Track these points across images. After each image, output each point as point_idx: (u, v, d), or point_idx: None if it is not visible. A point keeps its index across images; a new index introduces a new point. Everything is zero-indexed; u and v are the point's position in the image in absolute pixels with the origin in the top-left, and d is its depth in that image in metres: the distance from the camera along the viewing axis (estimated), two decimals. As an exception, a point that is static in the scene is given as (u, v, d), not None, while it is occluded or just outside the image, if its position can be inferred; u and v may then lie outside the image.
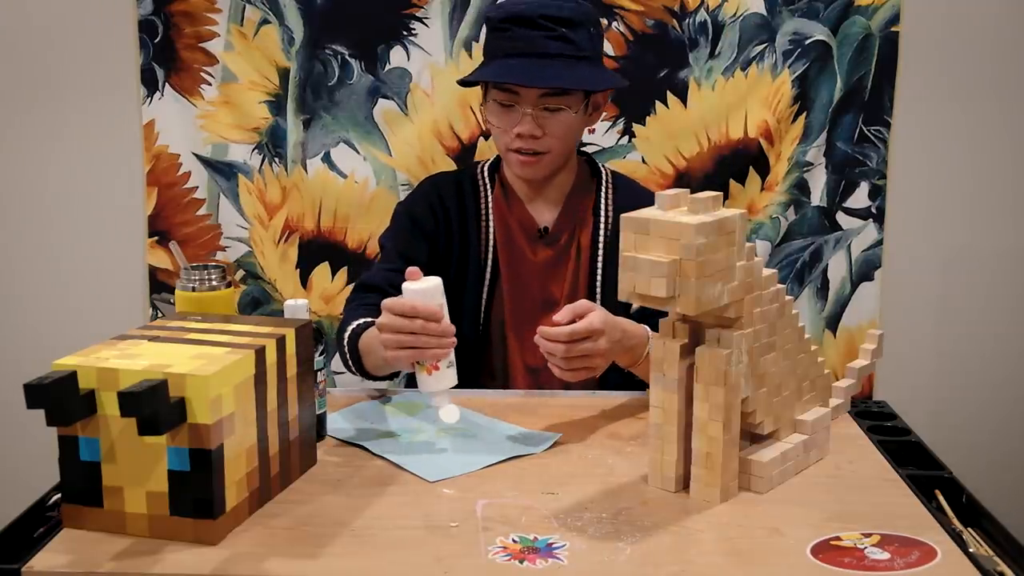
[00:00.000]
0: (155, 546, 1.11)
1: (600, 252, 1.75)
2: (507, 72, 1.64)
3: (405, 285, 1.37)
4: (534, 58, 1.62)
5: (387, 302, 1.37)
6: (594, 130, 2.25)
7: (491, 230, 1.76)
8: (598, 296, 1.74)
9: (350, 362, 1.64)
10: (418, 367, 1.38)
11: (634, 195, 1.78)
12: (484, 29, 1.74)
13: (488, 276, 1.75)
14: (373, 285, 1.70)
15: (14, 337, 2.43)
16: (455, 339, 1.37)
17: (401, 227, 1.78)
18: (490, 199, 1.77)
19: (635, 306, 1.67)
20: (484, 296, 1.75)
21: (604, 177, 1.80)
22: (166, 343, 1.20)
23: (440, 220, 1.76)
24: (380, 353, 1.43)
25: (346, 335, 1.63)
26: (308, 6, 2.26)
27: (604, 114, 2.27)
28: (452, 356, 1.39)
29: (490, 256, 1.76)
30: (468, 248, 1.76)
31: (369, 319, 1.58)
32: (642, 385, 1.57)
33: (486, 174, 1.80)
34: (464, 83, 1.75)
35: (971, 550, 1.14)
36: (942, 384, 2.41)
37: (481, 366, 1.76)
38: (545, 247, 1.77)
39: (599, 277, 1.74)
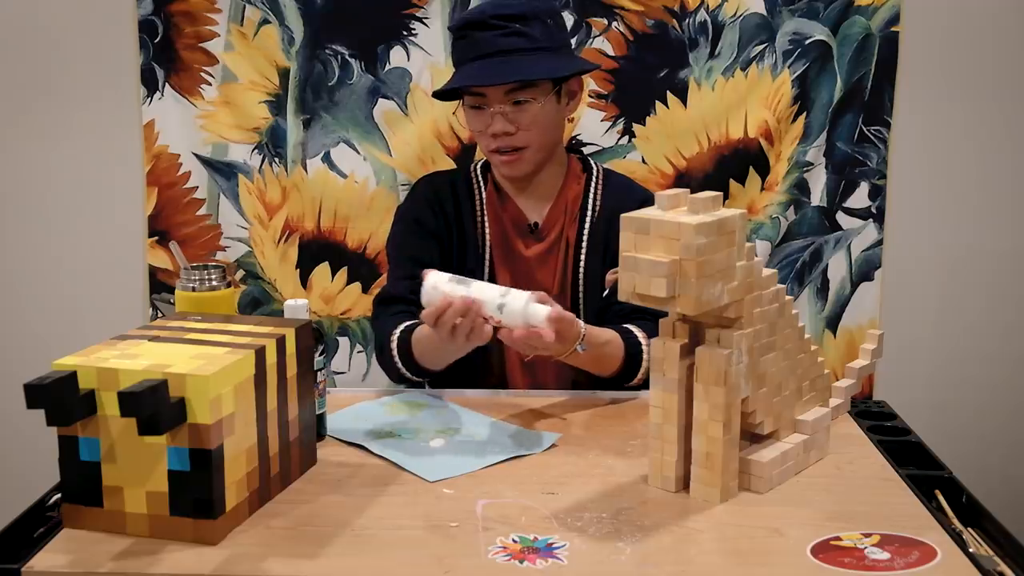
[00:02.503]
0: (155, 546, 1.11)
1: (584, 245, 1.76)
2: (466, 76, 1.67)
3: (423, 295, 1.42)
4: (491, 58, 1.65)
5: (424, 316, 1.41)
6: (573, 119, 2.25)
7: (486, 228, 1.77)
8: (581, 289, 1.75)
9: (401, 366, 1.65)
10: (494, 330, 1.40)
11: (627, 190, 1.82)
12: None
13: (486, 274, 1.76)
14: (395, 297, 1.73)
15: (14, 337, 2.43)
16: (481, 289, 1.40)
17: (407, 231, 1.80)
18: (484, 197, 1.79)
19: (607, 292, 1.68)
20: None
21: (595, 172, 1.82)
22: (166, 343, 1.20)
23: (441, 219, 1.78)
24: (450, 350, 1.49)
25: (393, 342, 1.64)
26: (308, 6, 2.26)
27: (604, 113, 2.28)
28: (499, 292, 1.39)
29: (487, 254, 1.77)
30: (466, 247, 1.77)
31: (410, 322, 1.64)
32: (643, 385, 1.57)
33: (479, 173, 1.82)
34: (438, 96, 1.77)
35: (971, 550, 1.14)
36: (942, 384, 2.41)
37: (479, 364, 1.76)
38: (536, 242, 1.78)
39: (582, 270, 1.75)
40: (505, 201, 1.79)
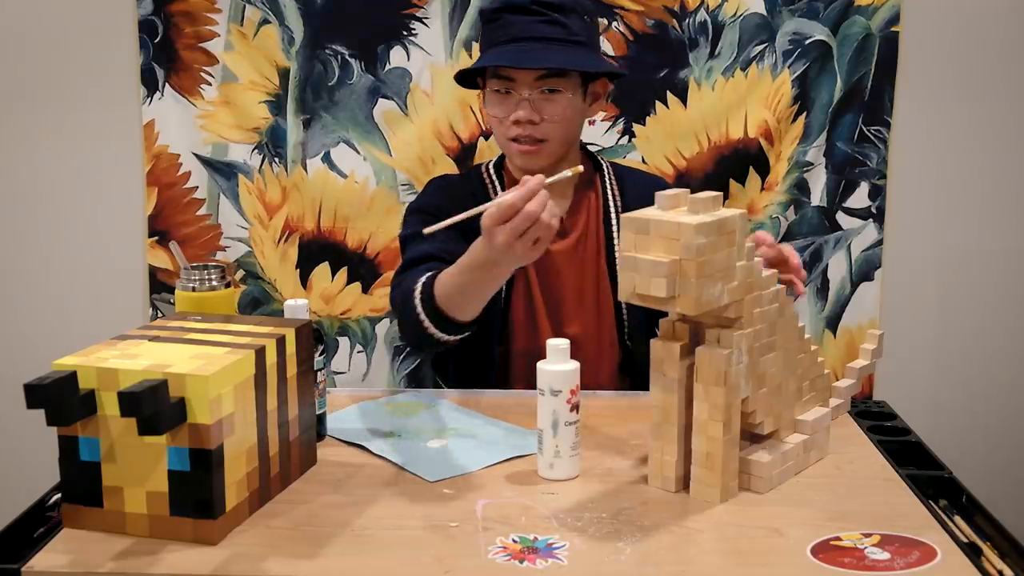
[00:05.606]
0: (155, 546, 1.11)
1: (617, 245, 1.74)
2: (499, 57, 1.64)
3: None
4: (527, 42, 1.62)
5: (491, 214, 1.29)
6: (594, 122, 2.25)
7: None
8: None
9: (425, 318, 1.50)
10: None
11: (642, 181, 1.80)
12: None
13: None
14: (424, 256, 1.61)
15: (14, 337, 2.43)
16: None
17: (425, 217, 1.65)
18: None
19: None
20: (501, 295, 1.72)
21: (606, 170, 1.81)
22: (166, 343, 1.20)
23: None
24: (499, 268, 1.37)
25: (416, 294, 1.51)
26: (308, 6, 2.26)
27: (604, 113, 2.28)
28: None
29: None
30: None
31: (433, 273, 1.51)
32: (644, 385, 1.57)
33: (492, 172, 1.80)
34: (461, 77, 1.74)
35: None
36: (942, 384, 2.41)
37: (484, 360, 1.75)
38: (560, 239, 1.75)
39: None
40: None
